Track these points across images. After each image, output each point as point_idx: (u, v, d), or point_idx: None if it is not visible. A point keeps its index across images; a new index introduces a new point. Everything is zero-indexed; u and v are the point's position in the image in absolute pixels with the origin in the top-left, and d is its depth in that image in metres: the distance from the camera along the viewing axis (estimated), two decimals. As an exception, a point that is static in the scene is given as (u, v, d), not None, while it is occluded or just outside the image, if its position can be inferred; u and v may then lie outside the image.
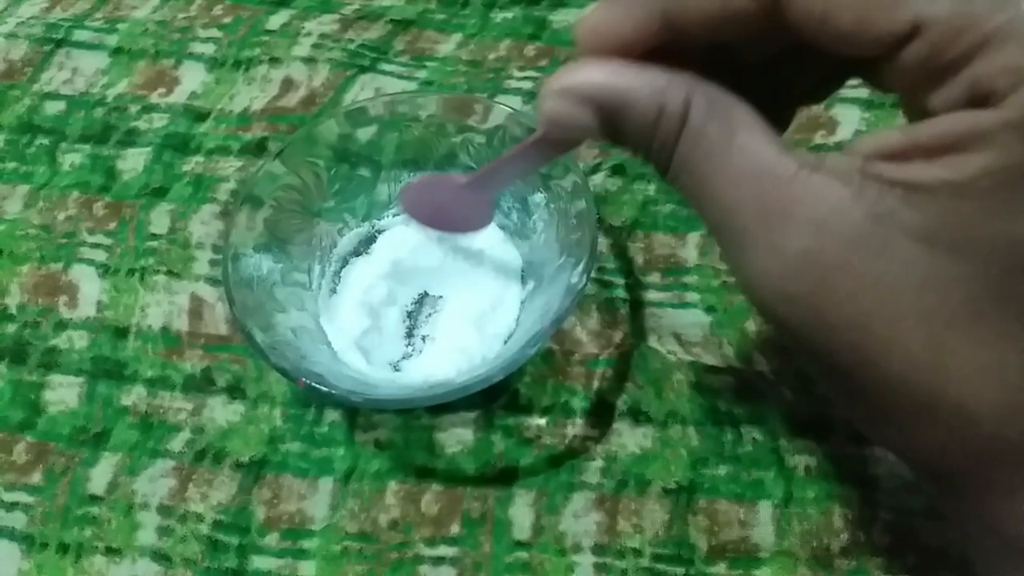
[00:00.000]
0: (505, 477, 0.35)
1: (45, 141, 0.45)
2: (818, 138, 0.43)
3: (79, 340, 0.39)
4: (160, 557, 0.34)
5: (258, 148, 0.44)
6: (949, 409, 0.18)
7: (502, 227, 0.39)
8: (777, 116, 0.20)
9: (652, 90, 0.19)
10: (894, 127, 0.18)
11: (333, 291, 0.38)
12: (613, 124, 0.20)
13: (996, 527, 0.19)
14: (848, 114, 0.43)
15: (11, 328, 0.39)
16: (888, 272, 0.17)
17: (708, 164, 0.19)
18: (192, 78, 0.47)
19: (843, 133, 0.43)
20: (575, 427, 0.36)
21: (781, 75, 0.21)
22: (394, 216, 0.40)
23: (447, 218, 0.33)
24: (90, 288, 0.40)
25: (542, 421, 0.36)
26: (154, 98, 0.46)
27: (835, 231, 0.17)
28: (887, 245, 0.17)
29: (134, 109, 0.46)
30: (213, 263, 0.40)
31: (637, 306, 0.38)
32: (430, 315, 0.38)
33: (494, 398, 0.36)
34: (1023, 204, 0.16)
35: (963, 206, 0.16)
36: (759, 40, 0.18)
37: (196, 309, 0.39)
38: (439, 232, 0.35)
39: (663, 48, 0.19)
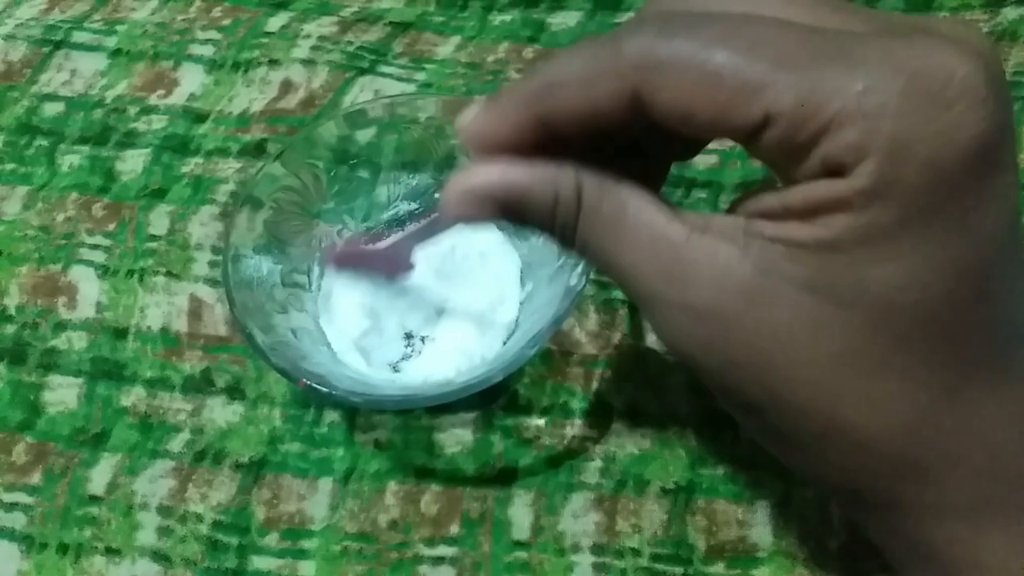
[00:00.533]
0: (504, 477, 0.35)
1: (44, 142, 0.45)
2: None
3: (78, 341, 0.39)
4: (160, 557, 0.34)
5: (257, 150, 0.44)
6: (845, 434, 0.20)
7: (501, 228, 0.39)
8: (656, 173, 0.23)
9: (544, 181, 0.21)
10: (769, 190, 0.20)
11: (331, 292, 0.38)
12: (515, 214, 0.21)
13: (900, 537, 0.22)
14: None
15: (10, 329, 0.39)
16: (780, 319, 0.19)
17: (607, 240, 0.21)
18: (191, 80, 0.47)
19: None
20: (574, 427, 0.36)
21: (653, 147, 0.23)
22: (391, 219, 0.40)
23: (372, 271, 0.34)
24: (89, 289, 0.40)
25: (541, 422, 0.36)
26: (153, 100, 0.46)
27: (729, 286, 0.19)
28: (776, 295, 0.19)
29: (133, 111, 0.46)
30: (212, 264, 0.41)
31: (636, 307, 0.38)
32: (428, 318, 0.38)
33: (493, 399, 0.36)
34: (885, 254, 0.18)
35: (835, 259, 0.18)
36: (627, 130, 0.20)
37: (195, 310, 0.39)
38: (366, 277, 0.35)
39: (543, 139, 0.21)
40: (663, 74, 0.18)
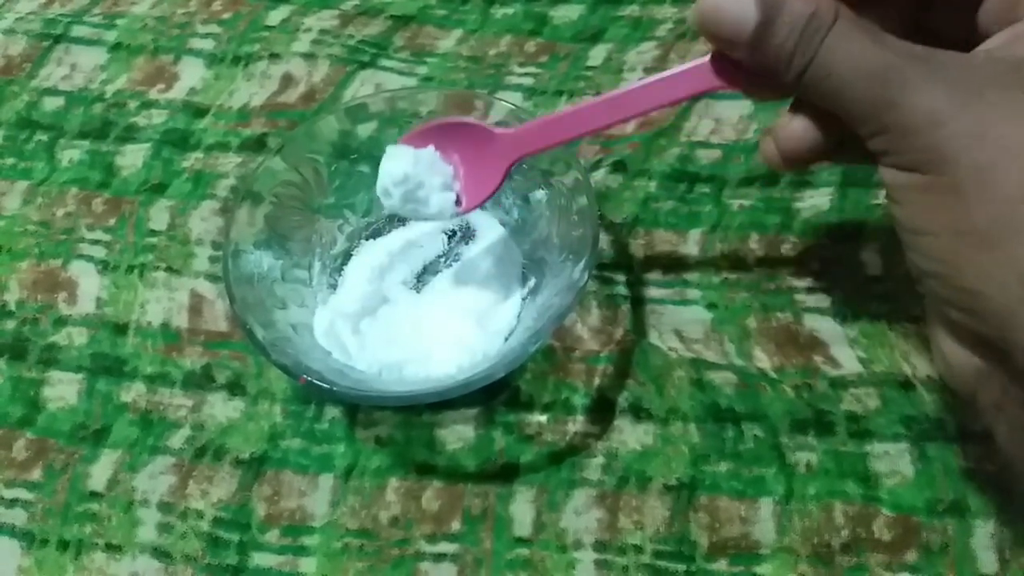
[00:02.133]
0: (506, 474, 0.35)
1: (44, 137, 0.45)
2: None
3: (78, 336, 0.38)
4: (160, 554, 0.34)
5: (258, 144, 0.44)
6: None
7: (504, 224, 0.39)
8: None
9: None
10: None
11: (333, 287, 0.38)
12: (770, 20, 0.23)
13: None
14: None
15: (10, 324, 0.39)
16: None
17: (857, 46, 0.23)
18: (191, 74, 0.47)
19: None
20: (576, 424, 0.36)
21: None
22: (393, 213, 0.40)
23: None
24: (89, 284, 0.40)
25: (543, 418, 0.36)
26: (153, 94, 0.46)
27: (979, 71, 0.22)
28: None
29: (133, 105, 0.46)
30: (213, 259, 0.40)
31: (638, 303, 0.38)
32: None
33: (495, 395, 0.36)
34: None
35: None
36: None
37: (196, 305, 0.39)
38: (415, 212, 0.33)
39: None
40: None
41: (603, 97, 0.28)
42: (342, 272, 0.38)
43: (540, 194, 0.37)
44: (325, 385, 0.30)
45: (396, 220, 0.40)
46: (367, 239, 0.39)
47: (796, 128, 0.26)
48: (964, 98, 0.21)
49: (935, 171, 0.22)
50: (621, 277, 0.39)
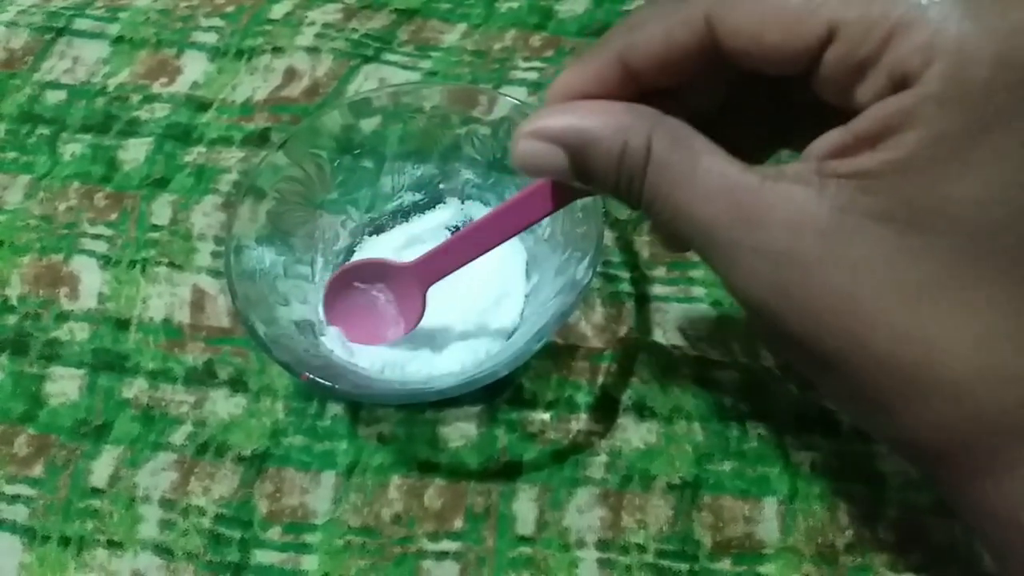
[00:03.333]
0: (509, 472, 0.35)
1: (46, 131, 0.45)
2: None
3: (80, 332, 0.38)
4: (162, 551, 0.33)
5: (260, 139, 0.44)
6: (937, 382, 0.18)
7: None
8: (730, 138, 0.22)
9: (616, 128, 0.21)
10: (835, 129, 0.19)
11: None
12: (581, 162, 0.22)
13: (998, 508, 0.19)
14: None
15: (12, 319, 0.39)
16: (860, 255, 0.18)
17: (679, 190, 0.20)
18: (194, 68, 0.47)
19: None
20: (579, 422, 0.35)
21: (728, 128, 0.22)
22: (396, 210, 0.39)
23: (373, 319, 0.35)
24: (91, 279, 0.40)
25: (546, 416, 0.36)
26: (156, 88, 0.46)
27: (807, 228, 0.19)
28: (854, 231, 0.18)
29: (135, 99, 0.46)
30: (215, 255, 0.40)
31: (642, 300, 0.38)
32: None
33: (498, 392, 0.36)
34: (961, 168, 0.17)
35: (910, 182, 0.17)
36: (704, 83, 0.21)
37: (198, 301, 0.39)
38: (359, 343, 0.35)
39: (622, 85, 0.21)
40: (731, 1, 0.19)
41: (490, 214, 0.29)
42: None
43: (544, 190, 0.36)
44: (327, 383, 0.30)
45: (399, 216, 0.40)
46: (370, 235, 0.39)
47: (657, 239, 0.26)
48: (797, 262, 0.19)
49: (789, 348, 0.21)
50: (625, 274, 0.39)
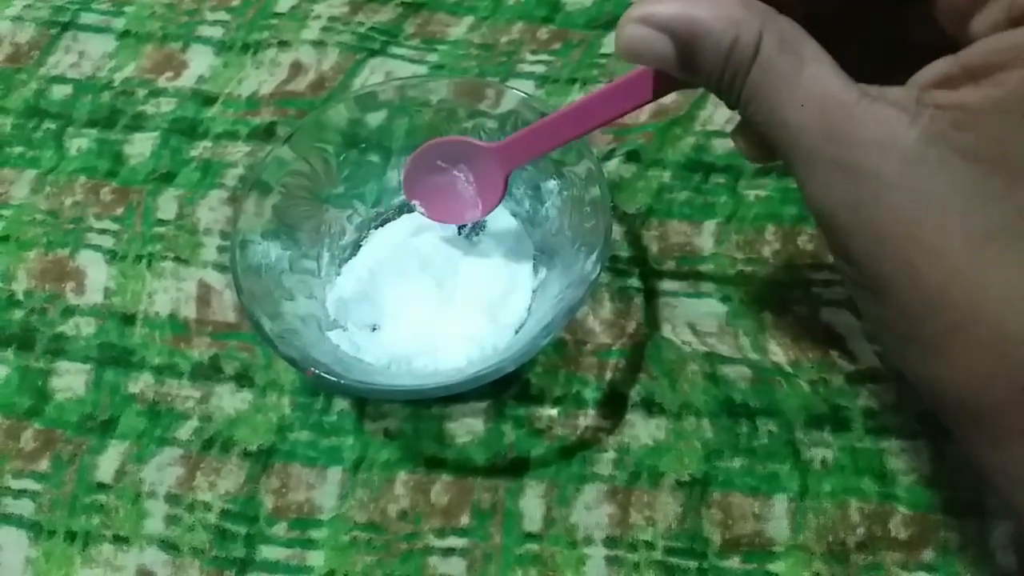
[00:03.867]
0: (516, 468, 0.34)
1: (52, 125, 0.44)
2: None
3: (86, 327, 0.38)
4: (168, 546, 0.33)
5: (266, 133, 0.43)
6: (984, 331, 0.18)
7: (515, 214, 0.38)
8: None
9: (728, 21, 0.20)
10: (945, 57, 0.19)
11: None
12: (688, 53, 0.21)
13: None
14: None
15: (18, 314, 0.39)
16: (938, 188, 0.18)
17: (778, 92, 0.20)
18: (200, 62, 0.46)
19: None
20: (587, 418, 0.35)
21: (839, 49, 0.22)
22: (402, 204, 0.39)
23: (452, 199, 0.34)
24: (97, 274, 0.40)
25: (554, 412, 0.35)
26: (162, 82, 0.46)
27: (892, 150, 0.19)
28: (939, 164, 0.18)
29: (141, 93, 0.45)
30: (221, 249, 0.40)
31: (651, 295, 0.38)
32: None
33: (505, 388, 0.36)
34: None
35: (1005, 122, 0.17)
36: None
37: (204, 296, 0.39)
38: (438, 220, 0.36)
39: None
40: None
41: (584, 99, 0.28)
42: (351, 263, 0.38)
43: (552, 184, 0.36)
44: (333, 378, 0.30)
45: (406, 210, 0.39)
46: (376, 229, 0.39)
47: (740, 144, 0.25)
48: (874, 184, 0.19)
49: (855, 269, 0.21)
50: (634, 269, 0.38)
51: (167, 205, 0.41)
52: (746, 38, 0.20)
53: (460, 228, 0.39)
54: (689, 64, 0.21)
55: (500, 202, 0.34)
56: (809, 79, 0.20)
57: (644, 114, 0.43)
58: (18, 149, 0.44)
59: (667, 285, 0.38)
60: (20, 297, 0.39)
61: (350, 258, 0.38)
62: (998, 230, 0.18)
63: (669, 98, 0.43)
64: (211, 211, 0.41)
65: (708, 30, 0.21)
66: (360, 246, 0.38)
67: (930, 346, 0.20)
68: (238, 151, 0.43)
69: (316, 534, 0.33)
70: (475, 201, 0.34)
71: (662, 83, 0.25)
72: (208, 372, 0.37)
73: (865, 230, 0.19)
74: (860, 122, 0.19)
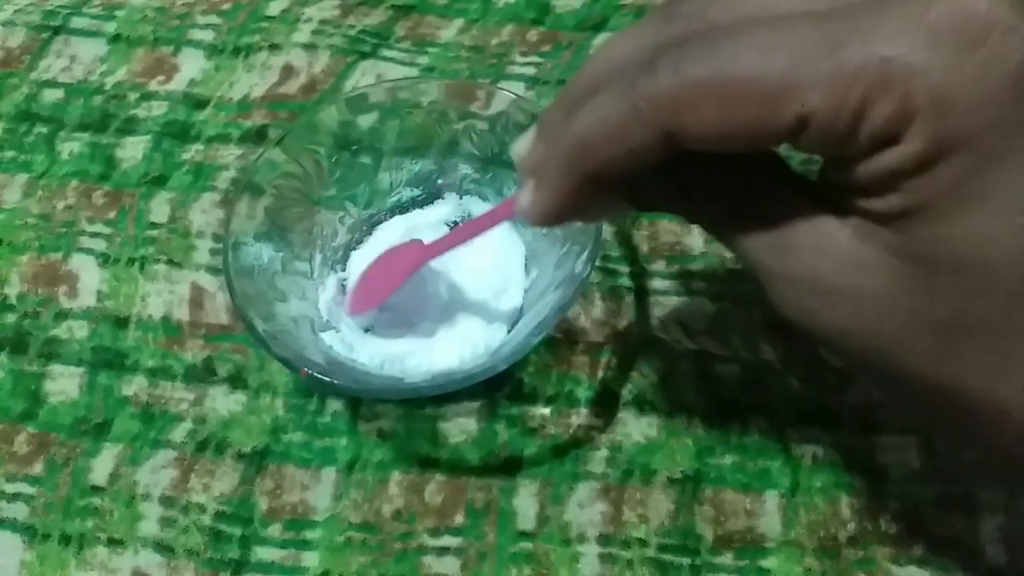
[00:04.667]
0: (509, 467, 0.34)
1: (43, 130, 0.44)
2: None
3: (79, 330, 0.38)
4: (162, 548, 0.33)
5: (258, 136, 0.44)
6: (984, 409, 0.18)
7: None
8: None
9: None
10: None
11: (336, 273, 0.37)
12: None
13: None
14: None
15: (11, 318, 0.39)
16: (881, 286, 0.18)
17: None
18: (191, 65, 0.46)
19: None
20: (580, 417, 0.35)
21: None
22: (394, 206, 0.39)
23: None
24: (90, 277, 0.40)
25: (546, 411, 0.36)
26: (153, 86, 0.46)
27: (829, 253, 0.19)
28: (874, 262, 0.18)
29: (133, 97, 0.45)
30: (214, 252, 0.40)
31: (642, 295, 0.38)
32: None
33: (498, 387, 0.36)
34: (965, 209, 0.17)
35: (922, 224, 0.17)
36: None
37: (197, 298, 0.39)
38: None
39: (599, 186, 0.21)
40: (686, 111, 0.18)
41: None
42: (344, 266, 0.38)
43: (543, 185, 0.36)
44: (326, 378, 0.30)
45: (397, 212, 0.40)
46: (369, 231, 0.39)
47: None
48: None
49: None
50: (625, 268, 0.39)
51: (159, 208, 0.41)
52: None
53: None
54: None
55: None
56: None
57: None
58: (10, 153, 0.44)
59: (657, 284, 0.38)
60: (13, 301, 0.39)
61: (343, 259, 0.38)
62: (954, 321, 0.18)
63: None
64: (203, 214, 0.41)
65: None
66: (352, 248, 0.39)
67: (947, 423, 0.20)
68: (230, 154, 0.43)
69: (311, 535, 0.34)
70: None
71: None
72: (201, 374, 0.37)
73: (834, 333, 0.20)
74: (801, 231, 0.19)
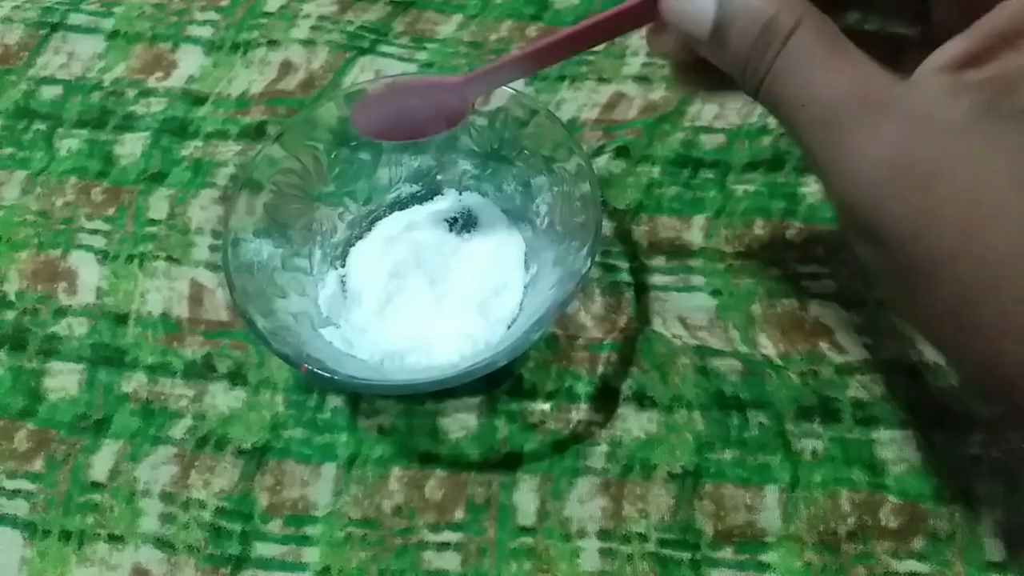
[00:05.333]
0: (509, 462, 0.34)
1: (42, 126, 0.44)
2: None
3: (79, 327, 0.38)
4: (163, 544, 0.33)
5: (257, 132, 0.43)
6: None
7: (505, 211, 0.38)
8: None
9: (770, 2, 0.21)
10: (953, 39, 0.19)
11: (335, 269, 0.37)
12: (724, 25, 0.21)
13: None
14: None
15: (10, 315, 0.39)
16: (995, 157, 0.18)
17: (812, 68, 0.20)
18: (190, 62, 0.46)
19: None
20: (579, 412, 0.35)
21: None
22: (393, 202, 0.39)
23: (409, 123, 0.33)
24: (89, 274, 0.40)
25: (546, 406, 0.36)
26: (151, 82, 0.46)
27: (937, 123, 0.19)
28: (992, 134, 0.18)
29: (131, 93, 0.45)
30: (213, 248, 0.40)
31: (642, 290, 0.38)
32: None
33: (498, 383, 0.36)
34: None
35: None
36: None
37: (196, 295, 0.39)
38: (398, 139, 0.34)
39: None
40: None
41: (545, 41, 0.28)
42: (344, 262, 0.38)
43: (542, 180, 0.36)
44: (326, 374, 0.30)
45: (397, 207, 0.39)
46: (368, 227, 0.39)
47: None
48: (923, 155, 0.19)
49: (889, 248, 0.20)
50: (624, 264, 0.39)
51: (158, 205, 0.41)
52: (785, 18, 0.20)
53: (452, 225, 0.39)
54: (720, 37, 0.22)
55: (463, 120, 0.32)
56: (845, 60, 0.20)
57: (633, 110, 0.43)
58: (8, 150, 0.44)
59: (657, 279, 0.38)
60: (12, 298, 0.39)
61: (342, 255, 0.38)
62: None
63: (658, 94, 0.44)
64: (202, 210, 0.41)
65: (751, 6, 0.21)
66: (352, 244, 0.39)
67: (991, 322, 0.19)
68: (229, 150, 0.43)
69: (311, 531, 0.34)
70: (438, 120, 0.32)
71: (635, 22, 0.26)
72: (201, 371, 0.37)
73: (912, 205, 0.19)
74: (898, 96, 0.19)
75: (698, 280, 0.38)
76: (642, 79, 0.44)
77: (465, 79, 0.30)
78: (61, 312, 0.39)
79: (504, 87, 0.35)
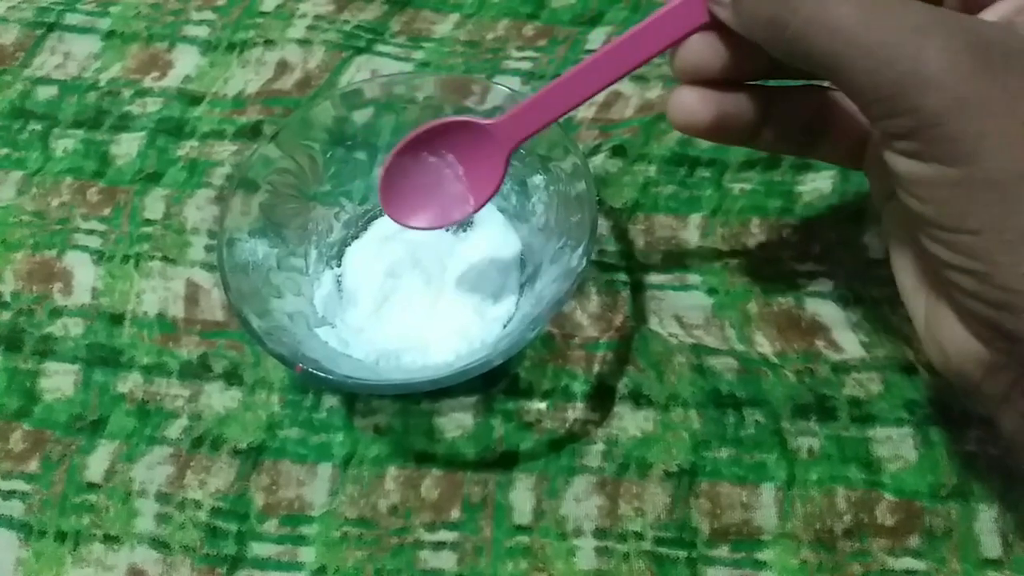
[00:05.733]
0: (505, 461, 0.34)
1: (38, 126, 0.44)
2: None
3: (74, 327, 0.38)
4: (159, 544, 0.33)
5: (253, 132, 0.43)
6: None
7: (501, 210, 0.38)
8: None
9: None
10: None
11: (331, 269, 0.37)
12: None
13: None
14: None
15: (6, 315, 0.39)
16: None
17: (851, 16, 0.20)
18: (186, 61, 0.46)
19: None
20: (576, 411, 0.35)
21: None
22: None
23: (437, 199, 0.31)
24: (85, 275, 0.40)
25: (542, 405, 0.36)
26: (147, 82, 0.46)
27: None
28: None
29: (127, 93, 0.45)
30: (208, 248, 0.40)
31: (638, 288, 0.38)
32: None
33: (494, 382, 0.36)
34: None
35: None
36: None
37: (192, 295, 0.39)
38: (421, 227, 0.32)
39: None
40: None
41: (587, 62, 0.26)
42: (340, 261, 0.38)
43: (538, 180, 0.36)
44: (322, 374, 0.30)
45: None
46: (364, 226, 0.39)
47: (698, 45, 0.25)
48: (1003, 74, 0.19)
49: (971, 164, 0.19)
50: (621, 263, 0.39)
51: (154, 205, 0.41)
52: None
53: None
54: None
55: (497, 190, 0.31)
56: None
57: (629, 109, 0.43)
58: (4, 151, 0.44)
59: (653, 278, 0.38)
60: (7, 298, 0.39)
61: (338, 255, 0.38)
62: None
63: (654, 92, 0.44)
64: (198, 210, 0.41)
65: None
66: (347, 243, 0.39)
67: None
68: (225, 150, 0.43)
69: (307, 530, 0.34)
70: (465, 196, 0.32)
71: (679, 29, 0.25)
72: (197, 371, 0.37)
73: (996, 113, 0.19)
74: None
75: (694, 279, 0.38)
76: (639, 78, 0.44)
77: (503, 121, 0.28)
78: (57, 312, 0.39)
79: (502, 87, 0.36)
